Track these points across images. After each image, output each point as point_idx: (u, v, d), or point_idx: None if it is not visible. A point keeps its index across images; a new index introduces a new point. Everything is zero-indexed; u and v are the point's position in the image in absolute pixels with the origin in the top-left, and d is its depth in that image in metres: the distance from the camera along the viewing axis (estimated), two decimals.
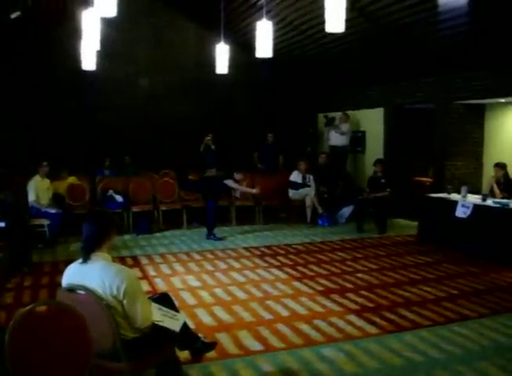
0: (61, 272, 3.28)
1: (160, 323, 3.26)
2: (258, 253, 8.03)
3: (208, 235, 9.08)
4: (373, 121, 11.96)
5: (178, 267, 7.19)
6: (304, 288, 6.20)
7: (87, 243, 3.15)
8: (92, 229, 3.17)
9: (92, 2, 5.36)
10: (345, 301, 5.69)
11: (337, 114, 12.31)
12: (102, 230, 3.19)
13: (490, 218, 7.50)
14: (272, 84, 12.91)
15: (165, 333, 3.29)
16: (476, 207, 7.75)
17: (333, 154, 11.81)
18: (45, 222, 8.19)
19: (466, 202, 7.95)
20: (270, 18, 7.09)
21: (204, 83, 12.32)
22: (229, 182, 9.08)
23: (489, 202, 7.74)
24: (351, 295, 5.92)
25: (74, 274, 3.15)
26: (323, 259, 7.67)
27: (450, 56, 9.11)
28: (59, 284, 3.23)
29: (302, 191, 10.50)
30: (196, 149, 11.84)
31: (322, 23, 5.25)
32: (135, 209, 9.71)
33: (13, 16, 8.67)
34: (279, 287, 6.22)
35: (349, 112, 12.44)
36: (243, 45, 11.50)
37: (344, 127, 11.97)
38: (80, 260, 3.17)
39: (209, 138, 11.89)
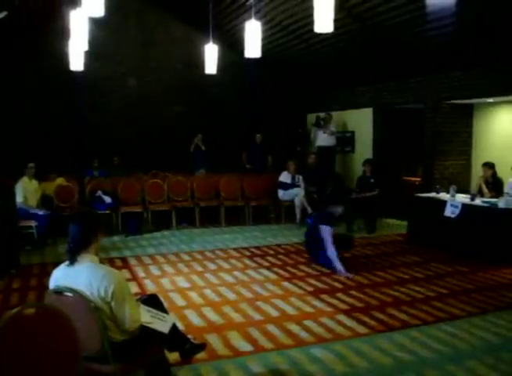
0: (49, 274, 3.24)
1: (149, 325, 3.24)
2: (248, 254, 8.01)
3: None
4: (362, 121, 12.00)
5: (168, 268, 7.16)
6: (293, 289, 6.19)
7: (73, 244, 3.11)
8: (78, 229, 3.13)
9: (80, 2, 5.32)
10: (335, 302, 5.69)
11: (321, 115, 12.36)
12: (88, 230, 3.16)
13: (479, 218, 7.53)
14: (260, 84, 12.92)
15: (154, 335, 3.27)
16: (465, 206, 7.77)
17: (320, 155, 11.83)
18: (33, 223, 8.12)
19: (454, 202, 7.98)
20: (259, 18, 7.09)
21: (193, 83, 12.32)
22: (325, 231, 6.95)
23: (478, 202, 7.77)
24: (340, 295, 5.92)
25: (62, 276, 3.12)
26: None
27: (438, 56, 9.15)
28: (48, 286, 3.20)
29: (291, 191, 10.50)
30: (185, 149, 11.83)
31: (311, 23, 5.26)
32: (123, 210, 9.65)
33: None
34: (269, 288, 6.21)
35: (338, 112, 12.49)
36: (232, 45, 11.49)
37: (333, 127, 12.03)
38: (67, 262, 3.14)
39: (199, 138, 11.90)
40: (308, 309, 5.47)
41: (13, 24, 9.88)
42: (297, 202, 10.37)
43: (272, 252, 8.12)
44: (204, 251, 8.17)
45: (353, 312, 5.36)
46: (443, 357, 4.26)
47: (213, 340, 4.57)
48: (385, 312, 5.36)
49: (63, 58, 8.70)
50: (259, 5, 9.24)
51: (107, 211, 9.41)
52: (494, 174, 8.27)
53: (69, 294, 3.01)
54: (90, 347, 2.95)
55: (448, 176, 10.34)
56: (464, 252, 7.63)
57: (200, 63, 8.54)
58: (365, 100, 11.94)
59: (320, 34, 7.85)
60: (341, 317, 5.19)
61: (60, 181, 9.87)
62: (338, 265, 6.83)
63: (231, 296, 5.90)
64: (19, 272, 6.83)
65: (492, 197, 7.90)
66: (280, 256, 7.87)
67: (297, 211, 10.38)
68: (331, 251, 6.87)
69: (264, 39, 6.68)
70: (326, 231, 6.91)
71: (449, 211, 7.97)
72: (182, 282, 6.46)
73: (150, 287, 6.20)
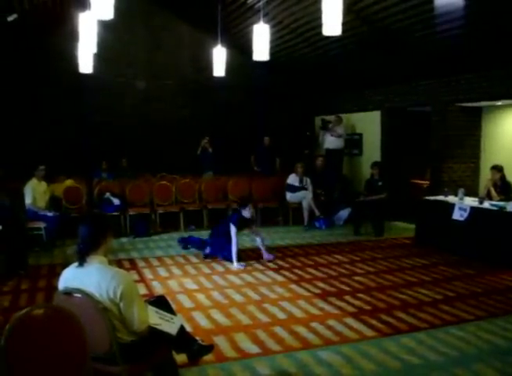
0: (58, 275, 3.26)
1: (157, 326, 3.25)
2: (255, 256, 8.01)
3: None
4: (370, 123, 11.99)
5: (175, 270, 7.18)
6: (301, 291, 6.19)
7: (83, 245, 3.13)
8: (88, 230, 3.15)
9: (89, 5, 5.35)
10: (342, 304, 5.69)
11: (331, 117, 12.36)
12: (97, 232, 3.18)
13: (487, 221, 7.51)
14: (268, 87, 12.92)
15: (162, 336, 3.28)
16: (473, 209, 7.76)
17: (328, 157, 11.84)
18: (42, 225, 8.17)
19: (463, 205, 7.96)
20: (267, 21, 7.11)
21: (201, 86, 12.34)
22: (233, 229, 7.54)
23: (486, 205, 7.74)
24: (348, 298, 5.92)
25: (71, 277, 3.14)
26: (320, 262, 7.67)
27: (446, 58, 9.13)
28: (56, 287, 3.22)
29: (299, 194, 10.49)
30: (193, 151, 11.86)
31: (319, 26, 5.26)
32: (132, 212, 9.68)
33: (10, 18, 8.65)
34: (277, 290, 6.21)
35: (346, 115, 12.48)
36: (241, 47, 11.51)
37: (340, 129, 12.03)
38: (76, 264, 3.16)
39: (206, 141, 11.93)
40: (316, 311, 5.47)
41: (23, 27, 9.95)
42: (304, 204, 10.37)
43: (279, 254, 8.10)
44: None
45: (361, 314, 5.35)
46: (450, 360, 4.25)
47: (220, 342, 4.59)
48: (393, 315, 5.35)
49: (72, 60, 8.76)
50: (267, 8, 9.26)
51: (115, 213, 9.44)
52: (503, 177, 8.23)
53: (78, 295, 3.02)
54: (98, 348, 2.96)
55: (456, 179, 10.30)
56: (472, 255, 7.61)
57: (209, 66, 8.57)
58: (374, 103, 11.92)
59: (328, 37, 7.87)
60: (349, 320, 5.19)
61: (69, 183, 9.92)
62: (235, 258, 7.39)
63: (238, 298, 5.91)
64: (28, 274, 6.85)
65: (500, 201, 7.86)
66: (288, 258, 7.86)
67: (305, 214, 10.38)
68: (233, 245, 7.40)
69: (272, 42, 6.70)
70: (233, 230, 7.43)
71: (458, 215, 7.95)
72: (189, 284, 6.48)
73: (158, 289, 6.22)
